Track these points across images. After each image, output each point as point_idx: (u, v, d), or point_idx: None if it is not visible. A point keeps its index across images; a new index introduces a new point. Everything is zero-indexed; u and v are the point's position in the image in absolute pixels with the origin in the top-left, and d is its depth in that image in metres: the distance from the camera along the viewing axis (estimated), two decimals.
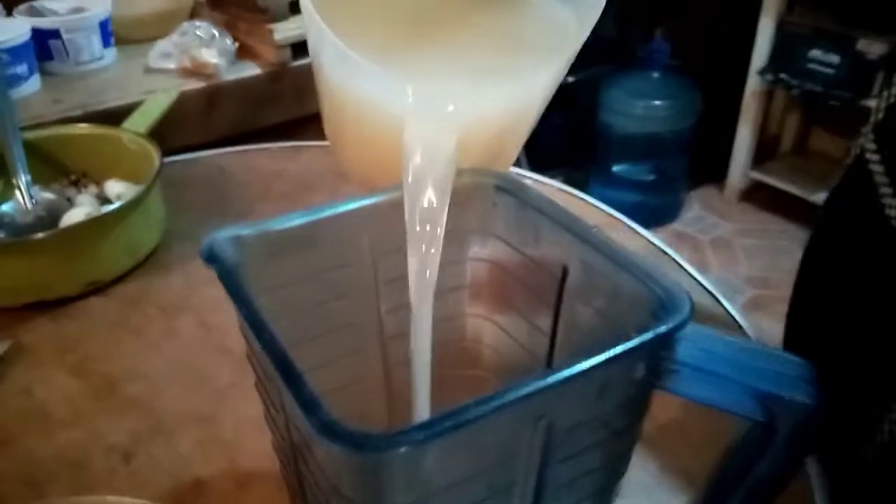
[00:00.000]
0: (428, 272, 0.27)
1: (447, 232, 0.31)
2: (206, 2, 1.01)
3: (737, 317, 0.58)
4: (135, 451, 0.46)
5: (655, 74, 1.96)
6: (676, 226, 2.11)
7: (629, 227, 0.69)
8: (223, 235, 0.26)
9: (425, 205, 0.27)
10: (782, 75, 1.91)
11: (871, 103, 1.52)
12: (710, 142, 2.07)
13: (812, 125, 2.21)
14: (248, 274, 0.26)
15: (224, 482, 0.44)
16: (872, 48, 1.76)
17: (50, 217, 0.64)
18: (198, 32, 0.90)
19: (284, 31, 0.91)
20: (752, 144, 2.10)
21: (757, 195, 2.17)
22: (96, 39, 0.89)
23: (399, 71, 0.31)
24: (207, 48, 0.89)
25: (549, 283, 0.29)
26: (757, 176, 2.12)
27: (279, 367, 0.21)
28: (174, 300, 0.60)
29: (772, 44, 1.91)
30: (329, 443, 0.19)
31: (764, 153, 2.16)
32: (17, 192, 0.64)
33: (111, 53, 0.92)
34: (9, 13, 0.88)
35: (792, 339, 0.52)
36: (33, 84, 0.85)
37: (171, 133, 0.87)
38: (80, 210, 0.63)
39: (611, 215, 0.71)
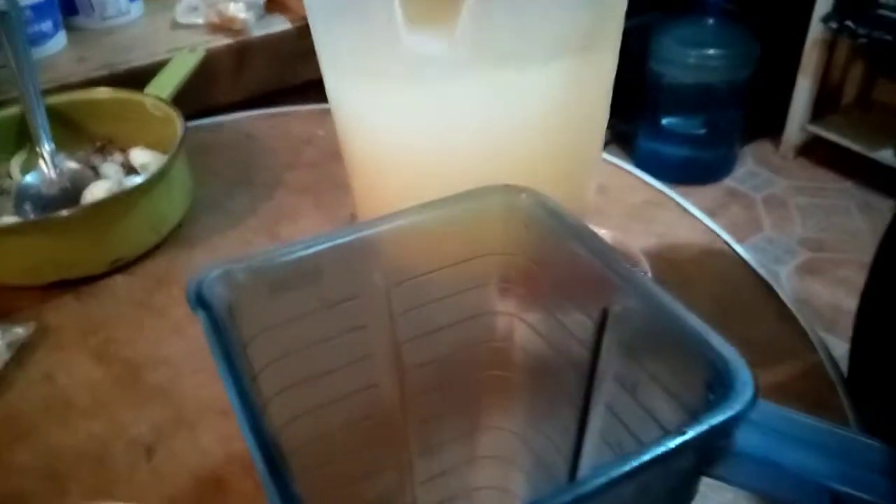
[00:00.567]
0: None
1: (470, 256, 0.28)
2: None
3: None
4: (156, 445, 0.45)
5: (710, 21, 1.83)
6: (728, 182, 2.02)
7: (681, 206, 0.64)
8: (213, 274, 0.23)
9: None
10: (848, 22, 1.77)
11: None
12: (767, 94, 1.94)
13: (878, 77, 2.06)
14: (244, 314, 0.23)
15: (246, 482, 0.43)
16: None
17: (74, 189, 0.63)
18: None
19: None
20: (812, 97, 1.97)
21: (814, 151, 2.05)
22: None
23: None
24: (235, 2, 0.85)
25: (585, 322, 0.25)
26: (815, 130, 2.00)
27: (264, 460, 0.18)
28: None
29: None
30: None
31: (824, 106, 2.03)
32: (41, 162, 0.63)
33: (138, 7, 0.89)
34: None
35: (857, 371, 0.47)
36: (59, 41, 0.82)
37: (199, 93, 0.84)
38: (103, 184, 0.61)
39: (661, 192, 0.66)
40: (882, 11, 1.71)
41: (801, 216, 1.91)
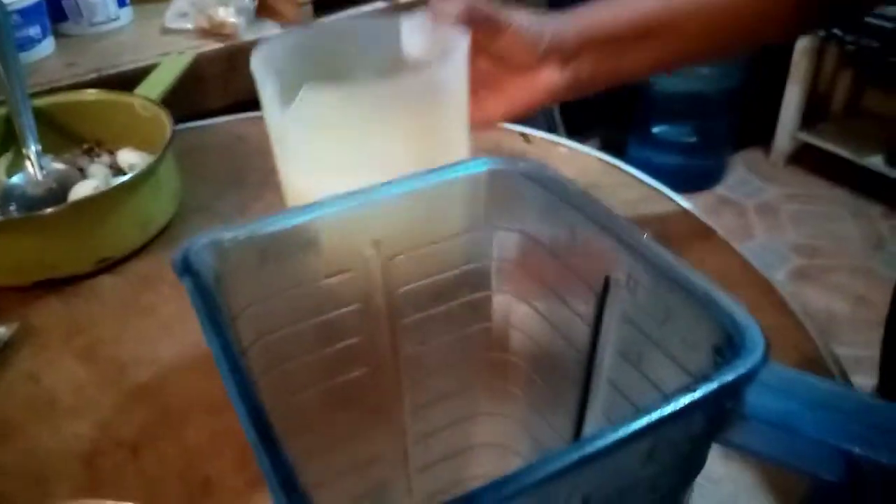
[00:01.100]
0: None
1: (465, 229, 0.27)
2: None
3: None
4: (143, 444, 0.44)
5: None
6: (719, 190, 2.02)
7: (673, 200, 0.64)
8: (202, 241, 0.22)
9: None
10: (835, 30, 1.78)
11: None
12: (756, 102, 1.95)
13: (866, 84, 2.08)
14: (233, 285, 0.22)
15: (234, 480, 0.42)
16: None
17: (61, 189, 0.61)
18: None
19: None
20: (801, 104, 1.98)
21: (805, 158, 2.06)
22: None
23: None
24: (225, 6, 0.84)
25: (587, 294, 0.24)
26: (805, 138, 2.01)
27: (254, 427, 0.17)
28: None
29: None
30: None
31: (813, 114, 2.04)
32: (28, 163, 0.62)
33: (127, 13, 0.88)
34: None
35: (889, 371, 0.46)
36: (47, 47, 0.81)
37: (189, 98, 0.83)
38: (89, 183, 0.60)
39: (653, 188, 0.66)
40: (869, 19, 1.73)
41: (792, 223, 1.91)
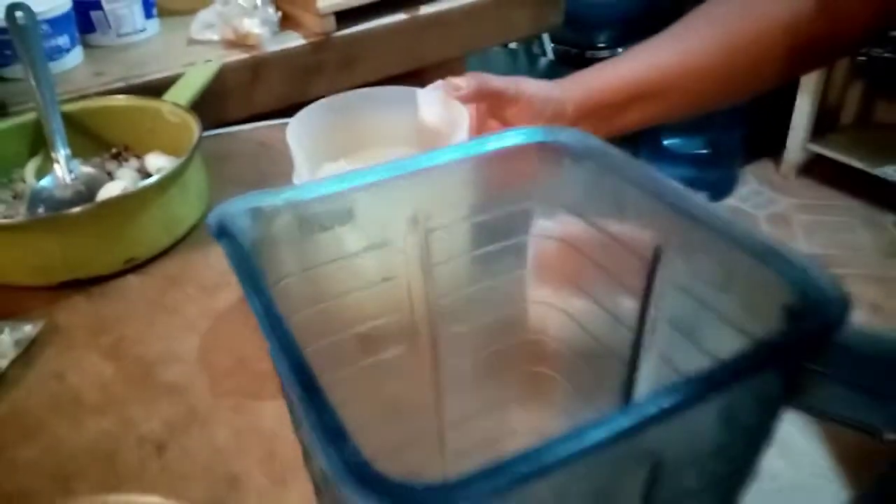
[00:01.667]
0: None
1: (504, 204, 0.26)
2: None
3: None
4: (168, 442, 0.43)
5: None
6: (730, 201, 2.00)
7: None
8: (239, 206, 0.21)
9: None
10: None
11: None
12: (767, 113, 1.94)
13: (877, 95, 2.06)
14: (270, 254, 0.22)
15: (260, 477, 0.41)
16: None
17: (89, 192, 0.62)
18: (240, 2, 0.86)
19: None
20: (812, 115, 1.96)
21: (816, 169, 2.04)
22: (138, 10, 0.86)
23: None
24: (249, 18, 0.85)
25: (635, 267, 0.23)
26: (816, 149, 1.99)
27: (297, 378, 0.16)
28: (214, 278, 0.57)
29: None
30: (357, 494, 0.14)
31: (824, 125, 2.02)
32: (56, 166, 0.62)
33: (154, 25, 0.89)
34: None
35: None
36: (75, 57, 0.82)
37: (214, 108, 0.83)
38: (117, 184, 0.60)
39: None
40: None
41: (804, 233, 1.88)
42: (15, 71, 0.78)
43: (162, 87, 0.72)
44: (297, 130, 0.45)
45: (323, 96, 0.53)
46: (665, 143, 1.93)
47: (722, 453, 0.19)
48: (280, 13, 0.89)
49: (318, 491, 0.25)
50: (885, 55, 1.71)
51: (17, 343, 0.49)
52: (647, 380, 0.25)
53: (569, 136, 0.25)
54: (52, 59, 0.79)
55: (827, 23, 0.52)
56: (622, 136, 0.51)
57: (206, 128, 0.64)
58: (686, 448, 0.18)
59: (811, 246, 1.83)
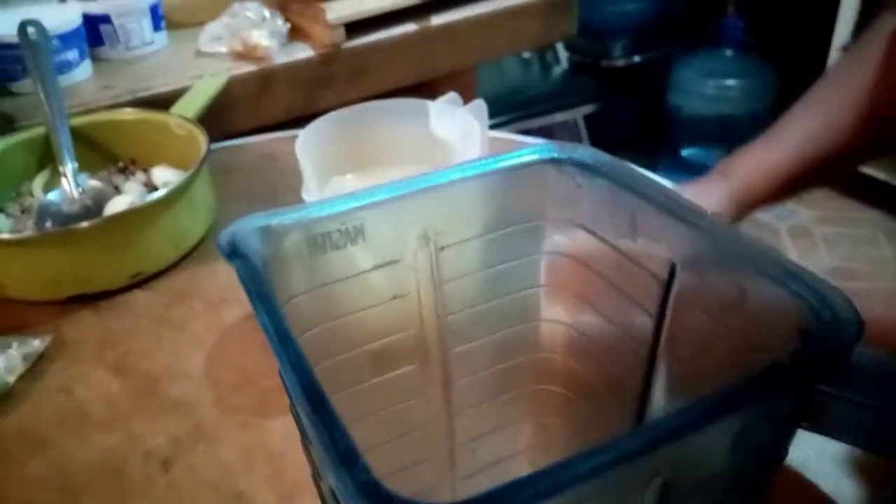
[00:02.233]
0: None
1: (516, 222, 0.26)
2: None
3: None
4: (174, 458, 0.43)
5: (728, 53, 1.84)
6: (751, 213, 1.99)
7: None
8: (249, 225, 0.21)
9: None
10: None
11: None
12: None
13: None
14: (280, 273, 0.21)
15: (267, 495, 0.40)
16: None
17: (96, 206, 0.62)
18: (248, 14, 0.87)
19: (337, 10, 0.87)
20: None
21: (838, 181, 2.03)
22: (147, 24, 0.87)
23: None
24: (258, 30, 0.85)
25: (649, 284, 0.23)
26: None
27: (307, 397, 0.16)
28: (221, 293, 0.56)
29: (856, 17, 1.77)
30: None
31: None
32: (64, 180, 0.62)
33: (162, 38, 0.90)
34: None
35: None
36: (84, 70, 0.83)
37: (222, 120, 0.84)
38: (124, 199, 0.60)
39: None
40: None
41: (826, 245, 1.87)
42: (24, 85, 0.79)
43: (170, 99, 0.72)
44: (307, 143, 0.45)
45: (332, 109, 0.53)
46: (684, 154, 1.92)
47: (733, 474, 0.19)
48: (289, 25, 0.89)
49: None
50: None
51: (25, 358, 0.49)
52: (661, 399, 0.24)
53: (582, 152, 0.25)
54: (61, 73, 0.79)
55: None
56: (640, 148, 0.51)
57: (213, 140, 0.64)
58: (697, 469, 0.18)
59: (833, 258, 1.82)
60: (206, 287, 0.57)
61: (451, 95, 0.49)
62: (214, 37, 0.88)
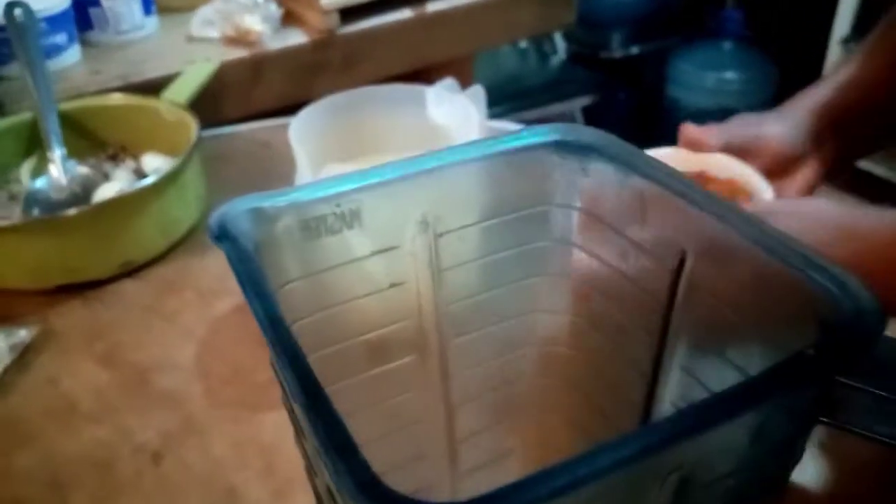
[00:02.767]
0: None
1: (519, 207, 0.25)
2: None
3: None
4: (165, 452, 0.42)
5: (727, 45, 1.83)
6: None
7: None
8: (240, 208, 0.20)
9: None
10: None
11: None
12: None
13: None
14: (272, 258, 0.20)
15: (259, 490, 0.39)
16: None
17: (85, 193, 0.60)
18: None
19: None
20: None
21: (844, 178, 2.02)
22: (137, 7, 0.85)
23: None
24: (251, 14, 0.83)
25: (659, 272, 0.22)
26: None
27: (302, 388, 0.15)
28: (212, 283, 0.55)
29: (856, 9, 1.76)
30: None
31: None
32: (52, 167, 0.61)
33: (153, 22, 0.88)
34: None
35: None
36: (73, 54, 0.81)
37: (214, 106, 0.82)
38: (113, 185, 0.59)
39: None
40: None
41: None
42: (11, 70, 0.77)
43: (161, 85, 0.70)
44: (300, 130, 0.43)
45: (325, 96, 0.52)
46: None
47: (751, 469, 0.18)
48: (282, 10, 0.87)
49: None
50: None
51: (12, 348, 0.47)
52: (669, 393, 0.23)
53: (588, 134, 0.24)
54: (49, 57, 0.77)
55: None
56: (637, 141, 0.49)
57: (205, 127, 0.63)
58: (715, 464, 0.17)
59: None
60: (197, 277, 0.56)
61: (449, 81, 0.47)
62: (206, 21, 0.86)
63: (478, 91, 0.48)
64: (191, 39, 0.86)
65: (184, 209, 0.60)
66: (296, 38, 0.86)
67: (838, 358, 0.15)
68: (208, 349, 0.49)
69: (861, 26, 1.78)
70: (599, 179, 0.23)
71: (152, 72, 0.78)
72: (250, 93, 0.86)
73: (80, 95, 0.71)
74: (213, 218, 0.19)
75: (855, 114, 0.52)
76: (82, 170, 0.62)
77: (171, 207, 0.58)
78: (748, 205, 0.46)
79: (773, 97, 1.86)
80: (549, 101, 1.76)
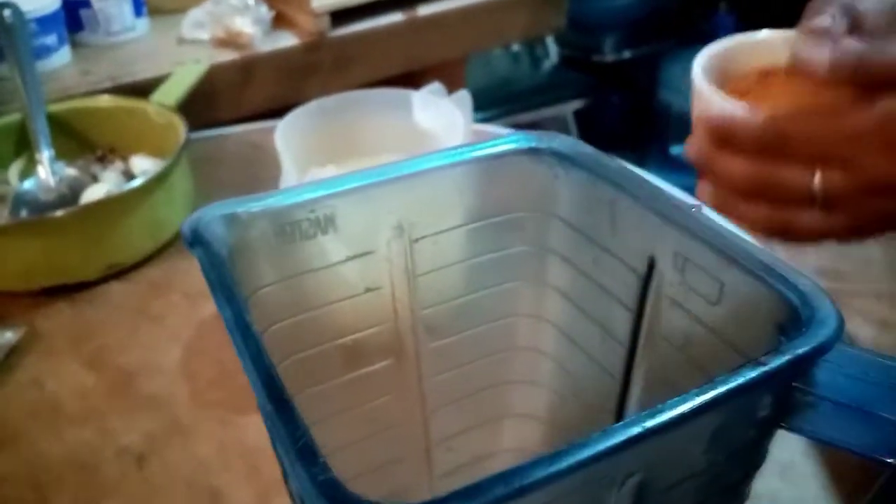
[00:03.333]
0: None
1: (493, 213, 0.25)
2: None
3: None
4: (149, 454, 0.42)
5: None
6: None
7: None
8: (213, 213, 0.20)
9: None
10: None
11: None
12: None
13: None
14: (246, 263, 0.21)
15: (243, 493, 0.39)
16: None
17: (73, 195, 0.60)
18: (231, 0, 0.85)
19: None
20: None
21: None
22: (128, 9, 0.85)
23: None
24: (241, 16, 0.83)
25: (628, 279, 0.22)
26: None
27: (267, 392, 0.15)
28: (199, 286, 0.54)
29: None
30: None
31: None
32: (40, 168, 0.61)
33: (143, 24, 0.88)
34: None
35: None
36: (63, 56, 0.81)
37: (204, 108, 0.82)
38: (101, 187, 0.59)
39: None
40: None
41: (814, 246, 1.87)
42: (0, 70, 0.77)
43: (151, 86, 0.70)
44: (286, 133, 0.44)
45: (316, 98, 0.52)
46: (673, 151, 1.92)
47: (711, 475, 0.18)
48: (273, 12, 0.88)
49: None
50: None
51: None
52: (640, 396, 0.24)
53: (561, 142, 0.24)
54: (38, 58, 0.77)
55: None
56: (629, 145, 0.47)
57: (194, 130, 0.63)
58: (673, 469, 0.17)
59: (820, 259, 1.82)
60: (184, 280, 0.56)
61: (435, 86, 0.48)
62: (197, 23, 0.86)
63: (464, 96, 0.48)
64: (181, 41, 0.86)
65: (171, 211, 0.60)
66: (286, 40, 0.86)
67: (794, 365, 0.16)
68: (194, 351, 0.49)
69: None
70: (571, 186, 0.24)
71: (143, 73, 0.78)
72: (241, 95, 0.86)
73: (69, 97, 0.71)
74: (187, 223, 0.20)
75: None
76: (71, 171, 0.62)
77: (159, 209, 0.58)
78: None
79: None
80: (541, 105, 1.77)
